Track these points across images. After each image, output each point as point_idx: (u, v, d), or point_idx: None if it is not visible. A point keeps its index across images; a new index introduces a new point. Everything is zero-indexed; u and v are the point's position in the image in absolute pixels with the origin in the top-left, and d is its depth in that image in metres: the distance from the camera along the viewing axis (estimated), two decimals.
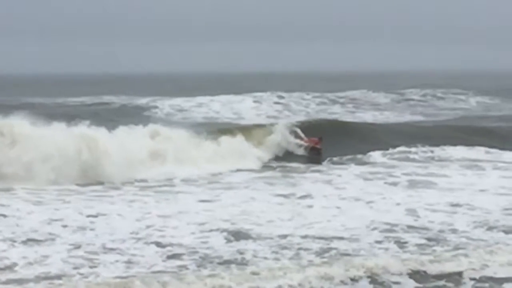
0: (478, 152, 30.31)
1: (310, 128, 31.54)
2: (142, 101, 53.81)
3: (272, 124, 32.42)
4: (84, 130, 24.74)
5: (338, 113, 51.08)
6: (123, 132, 26.53)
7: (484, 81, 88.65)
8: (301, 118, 40.84)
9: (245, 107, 50.34)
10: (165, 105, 50.25)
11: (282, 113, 50.23)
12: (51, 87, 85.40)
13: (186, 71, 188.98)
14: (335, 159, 28.75)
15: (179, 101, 51.99)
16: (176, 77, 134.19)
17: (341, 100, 55.70)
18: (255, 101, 52.55)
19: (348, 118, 45.42)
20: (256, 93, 54.22)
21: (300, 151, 29.65)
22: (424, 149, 30.52)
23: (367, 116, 48.26)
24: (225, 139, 28.67)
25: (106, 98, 58.80)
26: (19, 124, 24.47)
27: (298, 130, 30.63)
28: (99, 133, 24.93)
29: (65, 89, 79.18)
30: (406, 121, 43.78)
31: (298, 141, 30.02)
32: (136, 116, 41.96)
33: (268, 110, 50.31)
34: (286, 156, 29.28)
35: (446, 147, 30.80)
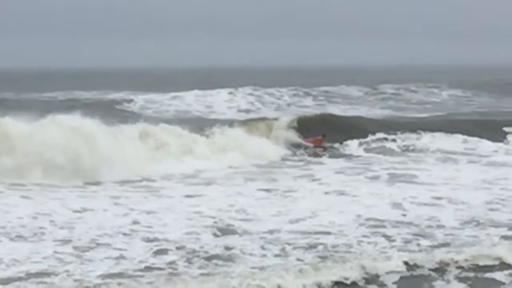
0: (456, 142, 30.54)
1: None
2: (115, 95, 53.54)
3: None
4: (73, 124, 24.38)
5: (310, 106, 51.15)
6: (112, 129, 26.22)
7: (462, 75, 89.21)
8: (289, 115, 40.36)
9: (217, 101, 50.29)
10: (139, 99, 50.02)
11: (254, 105, 50.21)
12: (21, 82, 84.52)
13: (163, 66, 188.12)
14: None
15: (152, 95, 51.83)
16: (152, 72, 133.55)
17: (314, 93, 55.72)
18: (229, 93, 52.48)
19: (318, 111, 45.57)
20: (231, 89, 54.11)
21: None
22: (402, 136, 30.80)
23: (336, 110, 48.29)
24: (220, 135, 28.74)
25: (78, 94, 58.39)
26: (5, 122, 24.25)
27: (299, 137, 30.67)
28: (89, 129, 24.57)
29: (35, 84, 78.42)
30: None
31: (302, 142, 30.04)
32: (110, 110, 41.64)
33: (241, 103, 50.24)
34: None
35: (424, 134, 31.07)
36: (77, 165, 22.71)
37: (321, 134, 30.29)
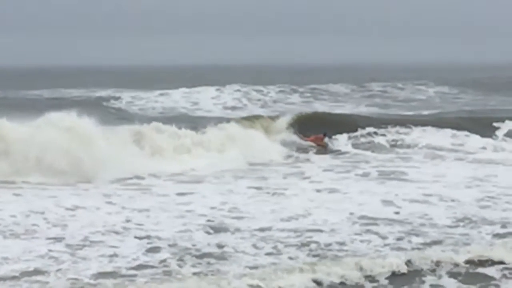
0: (445, 138, 30.66)
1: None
2: (102, 93, 53.46)
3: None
4: (65, 124, 24.25)
5: (296, 103, 51.15)
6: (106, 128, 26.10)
7: (449, 73, 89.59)
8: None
9: (204, 98, 50.19)
10: (126, 96, 49.87)
11: (240, 101, 50.14)
12: (6, 81, 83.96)
13: (151, 64, 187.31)
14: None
15: (139, 93, 51.77)
16: (140, 69, 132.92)
17: (301, 90, 55.73)
18: (216, 90, 52.41)
19: (304, 107, 45.73)
20: (219, 86, 54.06)
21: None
22: (392, 129, 30.92)
23: (322, 107, 48.37)
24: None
25: (65, 92, 58.13)
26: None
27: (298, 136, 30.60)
28: (80, 128, 24.44)
29: (22, 82, 77.90)
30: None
31: (303, 141, 29.93)
32: (97, 107, 41.42)
33: (227, 100, 50.16)
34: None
35: (415, 128, 31.20)
36: (68, 163, 22.62)
37: (315, 132, 30.20)
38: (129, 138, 26.31)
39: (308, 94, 54.59)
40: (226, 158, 26.03)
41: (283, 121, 31.66)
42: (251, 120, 32.32)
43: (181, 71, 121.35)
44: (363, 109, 47.65)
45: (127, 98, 48.80)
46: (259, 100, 51.13)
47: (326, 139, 30.02)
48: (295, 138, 30.03)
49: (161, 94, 50.43)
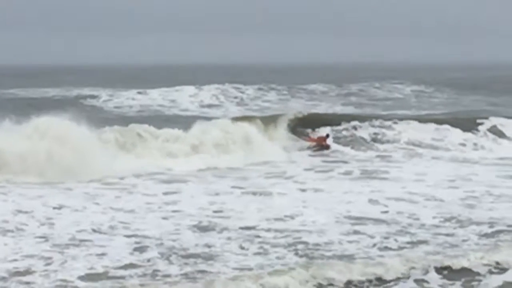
0: (427, 132, 30.82)
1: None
2: (80, 91, 53.34)
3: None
4: (49, 124, 24.05)
5: (272, 100, 51.31)
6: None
7: (427, 73, 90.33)
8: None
9: (181, 96, 50.15)
10: (103, 94, 49.79)
11: (218, 98, 50.17)
12: None
13: (133, 63, 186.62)
14: None
15: (117, 91, 51.73)
16: (122, 68, 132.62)
17: (279, 88, 55.80)
18: (196, 88, 52.34)
19: (280, 105, 46.42)
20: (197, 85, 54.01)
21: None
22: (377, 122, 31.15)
23: (297, 105, 48.53)
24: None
25: (42, 91, 57.85)
26: None
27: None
28: (63, 128, 24.24)
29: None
30: None
31: (306, 142, 29.83)
32: (74, 106, 41.27)
33: (204, 98, 50.11)
34: None
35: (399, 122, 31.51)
36: (53, 163, 22.45)
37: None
38: (112, 138, 26.13)
39: (285, 92, 54.69)
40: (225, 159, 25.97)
41: (283, 121, 31.29)
42: (247, 120, 31.40)
43: (161, 70, 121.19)
44: (338, 108, 47.89)
45: (104, 97, 48.70)
46: (235, 97, 51.16)
47: (329, 140, 29.91)
48: (296, 138, 29.88)
49: (139, 93, 50.33)
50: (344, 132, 30.69)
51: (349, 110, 46.58)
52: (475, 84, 65.23)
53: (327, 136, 29.99)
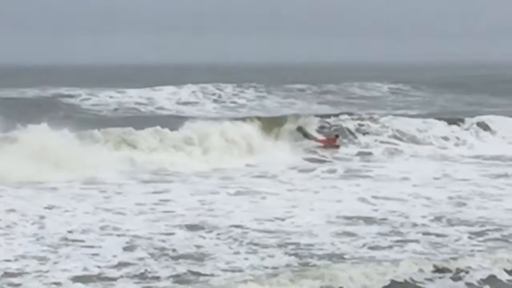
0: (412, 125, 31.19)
1: None
2: (58, 91, 53.16)
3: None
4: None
5: (247, 98, 51.38)
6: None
7: (406, 72, 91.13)
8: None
9: (159, 94, 49.99)
10: (81, 93, 49.46)
11: (196, 95, 50.19)
12: None
13: (115, 62, 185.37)
14: None
15: (95, 90, 51.52)
16: (104, 68, 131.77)
17: (257, 86, 55.85)
18: (176, 87, 52.21)
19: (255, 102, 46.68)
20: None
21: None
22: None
23: (270, 102, 48.67)
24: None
25: (19, 91, 57.39)
26: None
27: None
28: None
29: None
30: None
31: (315, 141, 29.64)
32: (52, 105, 41.15)
33: (183, 96, 50.06)
34: None
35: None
36: (40, 163, 22.33)
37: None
38: (102, 139, 26.00)
39: (262, 89, 54.75)
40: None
41: (291, 121, 30.97)
42: (249, 120, 30.72)
43: (142, 70, 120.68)
44: (314, 106, 48.10)
45: (83, 95, 48.42)
46: (213, 94, 51.15)
47: (338, 140, 29.79)
48: (305, 139, 29.70)
49: (118, 92, 50.09)
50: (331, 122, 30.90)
51: (324, 108, 46.71)
52: (449, 82, 65.90)
53: (337, 136, 29.92)
